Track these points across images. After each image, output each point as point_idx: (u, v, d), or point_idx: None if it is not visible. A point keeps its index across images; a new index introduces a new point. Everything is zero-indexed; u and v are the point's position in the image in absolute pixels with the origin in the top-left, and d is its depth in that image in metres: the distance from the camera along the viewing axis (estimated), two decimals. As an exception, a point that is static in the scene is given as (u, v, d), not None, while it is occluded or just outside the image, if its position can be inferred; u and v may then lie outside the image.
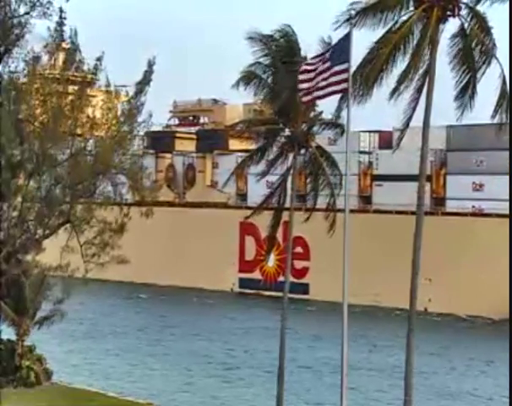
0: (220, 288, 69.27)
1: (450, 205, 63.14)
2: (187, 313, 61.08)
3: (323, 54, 21.44)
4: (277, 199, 29.04)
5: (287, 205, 28.85)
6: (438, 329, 54.66)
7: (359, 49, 22.35)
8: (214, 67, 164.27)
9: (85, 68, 31.47)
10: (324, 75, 20.86)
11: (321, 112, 29.14)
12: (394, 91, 23.64)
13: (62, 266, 30.55)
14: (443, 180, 64.27)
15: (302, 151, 28.88)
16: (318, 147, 29.03)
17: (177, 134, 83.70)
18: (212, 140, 74.69)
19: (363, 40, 23.54)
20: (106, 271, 30.77)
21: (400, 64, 23.82)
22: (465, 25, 23.88)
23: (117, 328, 52.52)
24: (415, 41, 23.76)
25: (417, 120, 24.51)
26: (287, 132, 28.78)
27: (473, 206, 61.85)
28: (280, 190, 29.40)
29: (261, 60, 28.17)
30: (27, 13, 29.71)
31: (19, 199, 30.10)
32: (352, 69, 21.19)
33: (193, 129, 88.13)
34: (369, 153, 67.84)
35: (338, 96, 23.73)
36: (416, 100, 24.36)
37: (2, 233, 30.43)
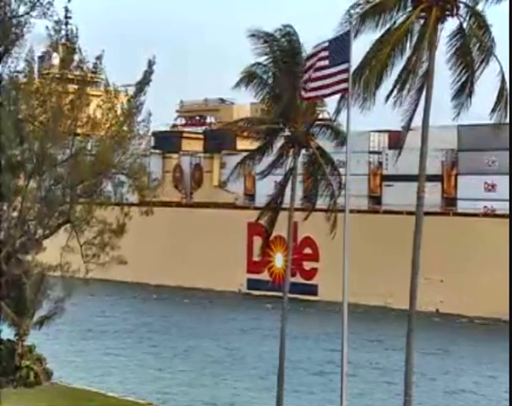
0: (228, 288, 69.17)
1: (462, 206, 62.66)
2: (191, 314, 61.06)
3: (322, 50, 21.16)
4: (275, 199, 28.88)
5: (296, 205, 28.74)
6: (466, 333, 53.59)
7: (357, 49, 22.15)
8: (215, 67, 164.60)
9: (85, 67, 31.44)
10: (324, 74, 20.66)
11: (320, 112, 28.99)
12: (391, 93, 23.46)
13: (62, 266, 30.54)
14: (454, 180, 63.77)
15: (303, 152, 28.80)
16: (319, 148, 28.87)
17: (184, 134, 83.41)
18: (220, 140, 74.28)
19: (363, 40, 23.42)
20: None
21: (400, 65, 23.72)
22: (464, 24, 23.67)
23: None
24: (413, 42, 23.58)
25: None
26: (287, 132, 28.64)
27: (485, 207, 61.29)
28: (280, 191, 29.30)
29: (262, 60, 28.06)
30: (27, 13, 29.76)
31: (19, 199, 30.14)
32: (352, 69, 21.03)
33: (200, 129, 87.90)
34: (379, 153, 67.47)
35: (337, 97, 23.54)
36: (415, 100, 24.17)
37: (3, 234, 30.50)
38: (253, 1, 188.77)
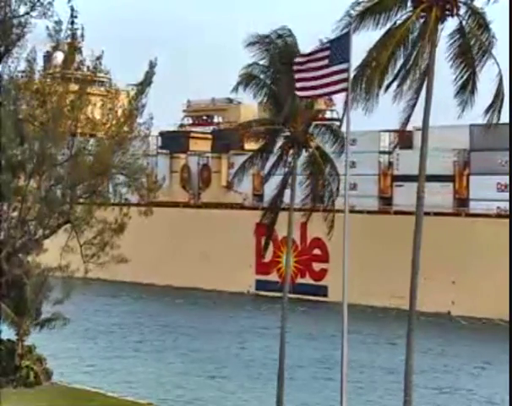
0: (236, 289, 68.83)
1: (474, 206, 62.06)
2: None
3: (321, 50, 21.05)
4: (275, 199, 28.83)
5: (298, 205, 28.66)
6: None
7: (356, 47, 21.95)
8: (215, 67, 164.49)
9: (85, 68, 31.46)
10: (323, 73, 20.54)
11: (320, 111, 28.81)
12: (391, 84, 23.32)
13: (61, 267, 30.54)
14: (466, 181, 63.18)
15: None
16: (318, 148, 28.76)
17: (192, 134, 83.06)
18: (227, 140, 73.92)
19: (362, 40, 23.21)
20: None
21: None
22: (464, 23, 23.51)
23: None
24: (414, 42, 23.39)
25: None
26: (287, 132, 28.56)
27: (498, 207, 60.64)
28: (280, 191, 29.26)
29: (259, 61, 28.06)
30: (27, 14, 29.79)
31: (19, 199, 30.17)
32: (352, 69, 20.92)
33: (207, 129, 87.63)
34: (389, 153, 66.96)
35: (338, 98, 23.44)
36: (415, 100, 24.02)
37: (3, 234, 30.55)
38: (253, 1, 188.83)
